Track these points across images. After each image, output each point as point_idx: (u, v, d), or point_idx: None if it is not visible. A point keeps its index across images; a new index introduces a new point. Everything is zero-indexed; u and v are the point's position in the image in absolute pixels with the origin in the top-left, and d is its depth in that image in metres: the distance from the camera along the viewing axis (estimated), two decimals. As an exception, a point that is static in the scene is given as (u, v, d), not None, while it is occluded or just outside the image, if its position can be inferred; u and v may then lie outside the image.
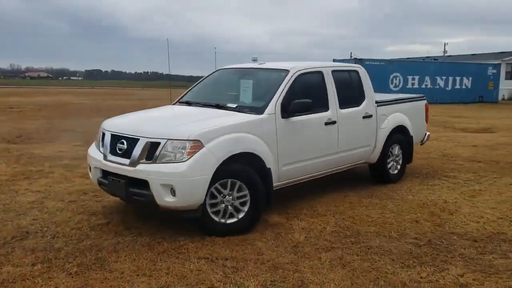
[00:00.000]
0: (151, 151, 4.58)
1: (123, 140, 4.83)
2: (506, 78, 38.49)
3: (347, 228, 5.02)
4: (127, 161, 4.68)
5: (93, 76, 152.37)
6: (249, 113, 5.23)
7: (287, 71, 5.75)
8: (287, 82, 5.57)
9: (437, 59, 42.62)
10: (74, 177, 7.22)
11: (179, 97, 6.50)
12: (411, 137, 7.44)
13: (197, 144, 4.52)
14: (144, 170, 4.54)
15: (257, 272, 3.86)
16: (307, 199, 6.06)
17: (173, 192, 4.43)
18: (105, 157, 4.95)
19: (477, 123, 16.94)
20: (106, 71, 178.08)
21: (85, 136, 11.89)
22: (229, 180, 4.73)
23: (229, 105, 5.57)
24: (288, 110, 5.34)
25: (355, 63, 27.97)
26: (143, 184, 4.54)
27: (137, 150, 4.64)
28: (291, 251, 4.34)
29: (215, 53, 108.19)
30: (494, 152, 10.15)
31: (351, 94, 6.45)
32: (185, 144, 4.50)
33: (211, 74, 6.80)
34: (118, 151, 4.84)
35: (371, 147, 6.74)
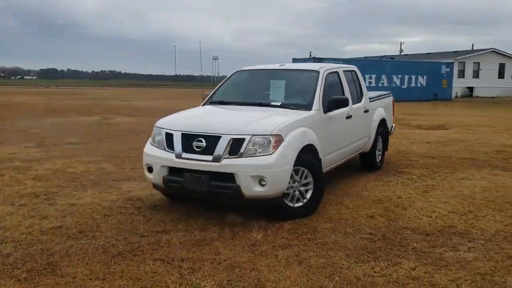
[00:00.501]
0: (235, 147, 4.95)
1: (200, 139, 5.11)
2: (459, 77, 39.95)
3: (304, 225, 5.07)
4: (209, 157, 5.00)
5: (49, 75, 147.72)
6: (299, 110, 5.81)
7: (317, 71, 6.44)
8: (321, 81, 6.25)
9: (393, 58, 43.75)
10: (26, 180, 6.97)
11: (208, 98, 6.82)
12: (387, 128, 8.53)
13: (279, 138, 5.03)
14: (230, 164, 4.91)
15: (214, 272, 3.84)
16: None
17: (262, 182, 4.86)
18: (178, 156, 5.15)
19: (431, 120, 17.48)
20: (62, 70, 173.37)
21: (38, 137, 11.53)
22: (301, 168, 5.29)
23: (273, 103, 6.11)
24: (328, 106, 6.06)
25: (314, 62, 28.42)
26: (228, 177, 4.91)
27: (220, 147, 4.97)
28: (249, 250, 4.34)
29: (175, 51, 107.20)
30: (447, 148, 10.50)
31: (355, 91, 7.27)
32: (270, 139, 5.00)
33: (232, 75, 7.17)
34: (196, 149, 5.10)
35: (368, 138, 7.65)
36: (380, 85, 30.53)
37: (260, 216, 5.31)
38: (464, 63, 41.28)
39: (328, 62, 27.85)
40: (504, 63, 43.36)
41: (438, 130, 14.55)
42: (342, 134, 6.58)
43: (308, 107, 5.87)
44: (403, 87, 31.95)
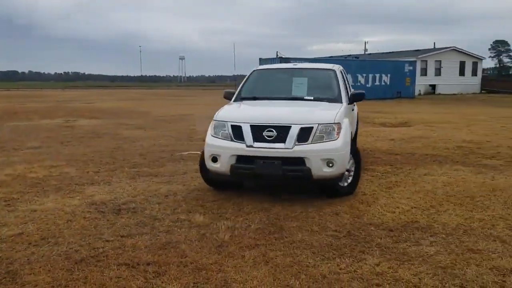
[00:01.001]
0: (303, 135, 5.67)
1: (271, 129, 5.73)
2: (422, 75, 40.97)
3: (271, 224, 5.09)
4: (281, 145, 5.67)
5: (9, 77, 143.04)
6: (332, 103, 6.64)
7: (333, 70, 7.47)
8: (340, 78, 7.26)
9: (358, 57, 44.45)
10: (-16, 186, 6.73)
11: (236, 95, 7.24)
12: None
13: (339, 126, 5.88)
14: (302, 150, 5.65)
15: (180, 275, 3.81)
16: (234, 197, 6.08)
17: (330, 164, 5.66)
18: (249, 145, 5.72)
19: (395, 118, 17.85)
20: (23, 72, 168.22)
21: (-2, 141, 11.16)
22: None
23: (306, 97, 6.89)
24: (351, 99, 7.02)
25: (280, 62, 28.59)
26: (299, 161, 5.64)
27: (291, 135, 5.66)
28: (215, 251, 4.32)
29: (140, 52, 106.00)
30: (410, 145, 10.75)
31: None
32: (334, 127, 5.81)
33: (251, 74, 7.70)
34: (267, 138, 5.73)
35: (354, 130, 8.20)
36: (345, 83, 30.88)
37: (228, 216, 5.31)
38: (426, 61, 42.35)
39: (294, 62, 28.17)
40: (464, 61, 44.74)
41: (401, 127, 14.87)
42: (352, 125, 7.35)
43: (338, 100, 6.78)
44: (367, 85, 32.48)
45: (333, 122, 5.83)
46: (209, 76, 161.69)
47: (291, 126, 5.70)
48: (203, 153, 6.29)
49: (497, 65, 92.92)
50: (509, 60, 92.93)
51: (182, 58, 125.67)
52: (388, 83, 33.67)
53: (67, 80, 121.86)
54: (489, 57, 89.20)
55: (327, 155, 5.66)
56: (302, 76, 7.54)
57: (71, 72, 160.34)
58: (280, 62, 28.73)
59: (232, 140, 5.86)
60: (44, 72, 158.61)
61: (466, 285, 3.63)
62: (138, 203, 5.89)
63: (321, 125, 5.76)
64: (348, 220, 5.23)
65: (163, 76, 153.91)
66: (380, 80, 33.40)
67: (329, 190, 6.16)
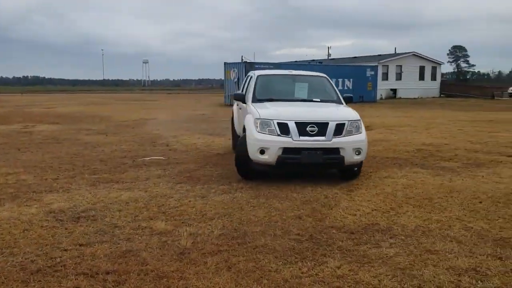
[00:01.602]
0: (338, 129, 7.04)
1: (313, 125, 7.00)
2: (383, 79, 41.93)
3: (234, 230, 5.07)
4: (322, 138, 6.98)
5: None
6: (336, 103, 8.33)
7: (325, 77, 9.25)
8: (332, 84, 9.01)
9: (321, 62, 45.09)
10: None
11: (252, 97, 8.27)
12: None
13: (361, 122, 7.44)
14: (338, 141, 7.02)
15: (140, 284, 3.74)
16: (197, 204, 6.03)
17: (357, 152, 7.13)
18: (296, 139, 6.92)
19: (358, 121, 18.11)
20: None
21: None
22: None
23: (314, 99, 8.40)
24: (345, 101, 8.46)
25: (245, 67, 28.65)
26: (335, 151, 7.00)
27: (330, 130, 6.99)
28: (177, 259, 4.26)
29: (102, 55, 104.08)
30: (371, 148, 10.92)
31: None
32: (359, 123, 7.35)
33: (258, 79, 8.79)
34: (310, 132, 6.97)
35: None
36: (309, 88, 31.24)
37: (190, 222, 5.26)
38: (387, 66, 43.39)
39: (259, 67, 28.36)
40: (424, 66, 46.11)
41: (363, 131, 15.11)
42: None
43: (339, 102, 8.41)
44: (331, 89, 32.88)
45: (358, 119, 7.40)
46: (173, 80, 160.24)
47: (328, 123, 7.05)
48: (242, 148, 7.33)
49: (455, 70, 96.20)
50: (466, 65, 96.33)
51: (145, 62, 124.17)
52: (350, 87, 34.24)
53: (26, 84, 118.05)
54: (447, 62, 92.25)
55: (356, 145, 7.14)
56: (303, 82, 9.02)
57: (31, 76, 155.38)
58: (245, 67, 28.81)
59: (278, 135, 6.98)
60: (2, 76, 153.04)
61: (424, 286, 3.72)
62: (98, 210, 5.76)
63: (351, 121, 7.23)
64: (310, 223, 5.27)
65: (126, 80, 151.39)
66: (343, 84, 33.93)
67: (348, 173, 7.51)
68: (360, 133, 7.29)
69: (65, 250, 4.47)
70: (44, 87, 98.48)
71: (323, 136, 6.98)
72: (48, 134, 13.97)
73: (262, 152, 6.97)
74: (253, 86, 8.58)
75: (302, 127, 6.97)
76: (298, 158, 6.95)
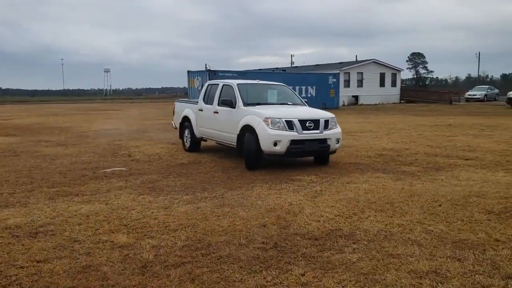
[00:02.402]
0: (325, 124, 9.27)
1: (311, 122, 9.13)
2: (345, 86, 42.65)
3: (198, 240, 5.00)
4: (317, 131, 9.13)
5: None
6: (304, 105, 10.56)
7: (286, 86, 11.73)
8: (291, 89, 11.66)
9: (285, 70, 45.50)
10: None
11: (243, 102, 9.88)
12: None
13: (335, 119, 9.67)
14: (327, 133, 9.22)
15: (101, 300, 3.62)
16: (160, 215, 5.93)
17: (337, 141, 9.47)
18: (300, 133, 8.97)
19: (321, 128, 18.35)
20: None
21: None
22: None
23: (289, 102, 10.55)
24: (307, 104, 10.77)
25: (209, 75, 28.57)
26: (325, 141, 9.19)
27: (321, 125, 9.19)
28: (139, 272, 4.16)
29: (62, 65, 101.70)
30: (334, 154, 11.07)
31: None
32: (335, 120, 9.61)
33: (239, 87, 10.36)
34: (309, 127, 9.07)
35: None
36: (273, 95, 31.45)
37: (152, 235, 5.17)
38: (349, 73, 44.20)
39: (222, 75, 28.34)
40: (384, 73, 47.21)
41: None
42: None
43: (303, 104, 10.67)
44: (294, 97, 33.22)
45: (334, 116, 9.60)
46: (136, 88, 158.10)
47: (320, 120, 9.22)
48: (252, 144, 9.08)
49: (415, 76, 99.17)
50: (425, 71, 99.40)
51: (107, 71, 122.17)
52: (314, 95, 34.65)
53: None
54: (407, 68, 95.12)
55: (337, 136, 9.45)
56: (273, 89, 11.16)
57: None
58: (209, 75, 28.73)
59: (285, 130, 8.88)
60: None
61: (386, 290, 3.76)
62: (57, 225, 5.57)
63: (331, 118, 9.45)
64: (275, 231, 5.27)
65: (87, 90, 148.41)
66: (307, 92, 34.31)
67: (325, 160, 9.75)
68: (338, 127, 9.60)
69: (22, 267, 4.30)
70: (1, 97, 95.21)
71: (317, 130, 9.12)
72: (4, 146, 13.47)
73: (275, 144, 8.84)
74: (237, 93, 10.09)
75: (303, 123, 9.02)
76: (301, 148, 9.02)
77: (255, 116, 9.19)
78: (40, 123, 23.07)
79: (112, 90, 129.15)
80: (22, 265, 4.35)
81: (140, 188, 7.56)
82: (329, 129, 9.24)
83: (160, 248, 4.77)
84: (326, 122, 9.28)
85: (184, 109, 12.31)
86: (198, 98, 12.12)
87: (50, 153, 11.81)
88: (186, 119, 12.01)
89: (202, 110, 11.39)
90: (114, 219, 5.80)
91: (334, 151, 9.60)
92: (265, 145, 8.89)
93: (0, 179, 8.37)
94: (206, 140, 11.83)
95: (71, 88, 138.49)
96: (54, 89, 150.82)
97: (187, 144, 12.06)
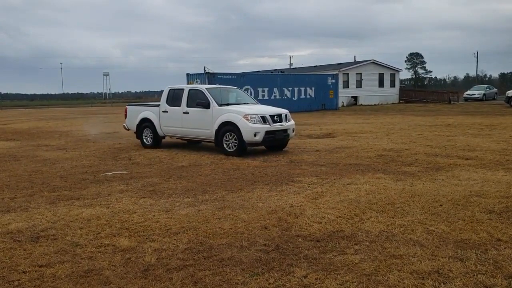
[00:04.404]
0: (286, 118, 12.00)
1: (277, 116, 11.69)
2: (344, 87, 42.68)
3: (200, 243, 5.00)
4: (282, 123, 11.75)
5: None
6: (259, 104, 13.13)
7: (238, 88, 14.38)
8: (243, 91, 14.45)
9: (283, 72, 45.52)
10: None
11: (216, 102, 11.96)
12: None
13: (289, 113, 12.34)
14: (287, 125, 11.94)
15: (103, 304, 3.62)
16: (161, 218, 5.93)
17: (293, 131, 12.31)
18: (271, 125, 11.39)
19: (320, 129, 18.41)
20: None
21: None
22: None
23: (248, 102, 12.91)
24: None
25: (208, 77, 28.58)
26: (287, 131, 11.87)
27: (284, 118, 11.88)
28: (142, 276, 4.17)
29: (61, 69, 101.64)
30: (334, 155, 11.10)
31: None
32: (288, 114, 12.22)
33: (210, 90, 12.44)
34: (276, 120, 11.61)
35: None
36: (272, 98, 31.54)
37: (154, 238, 5.17)
38: (348, 74, 44.20)
39: (221, 77, 28.36)
40: (383, 73, 47.23)
41: (326, 138, 15.35)
42: None
43: (257, 103, 13.13)
44: (293, 99, 33.30)
45: (288, 112, 12.25)
46: (135, 92, 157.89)
47: (282, 114, 11.90)
48: (239, 133, 11.18)
49: (413, 76, 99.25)
50: (423, 71, 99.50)
51: (106, 74, 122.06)
52: (313, 96, 34.69)
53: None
54: (405, 68, 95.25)
55: (293, 127, 12.23)
56: (232, 92, 13.43)
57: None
58: (208, 77, 28.75)
59: (262, 123, 11.24)
60: None
61: (389, 291, 3.76)
62: (59, 229, 5.57)
63: (288, 113, 12.18)
64: (276, 233, 5.27)
65: (86, 93, 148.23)
66: (306, 93, 34.33)
67: (283, 146, 12.37)
68: (291, 120, 12.25)
69: (24, 272, 4.30)
70: (0, 102, 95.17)
71: (282, 122, 11.72)
72: (5, 151, 13.48)
73: (255, 135, 11.11)
74: (209, 96, 12.06)
75: (272, 118, 11.49)
76: (273, 137, 11.49)
77: (235, 114, 11.40)
78: (39, 128, 23.07)
79: (112, 93, 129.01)
80: (24, 270, 4.35)
81: (141, 191, 7.56)
82: (288, 121, 11.94)
83: (162, 251, 4.77)
84: (286, 115, 12.00)
85: (140, 111, 13.87)
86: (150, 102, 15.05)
87: (50, 157, 11.81)
88: (145, 120, 13.59)
89: (167, 112, 13.05)
90: (116, 222, 5.80)
91: (289, 139, 12.52)
92: (247, 136, 11.12)
93: (1, 184, 8.37)
94: (164, 138, 13.64)
95: (70, 92, 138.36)
96: (53, 93, 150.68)
97: (148, 142, 13.60)
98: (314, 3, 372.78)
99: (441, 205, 6.29)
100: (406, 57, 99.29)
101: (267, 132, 11.20)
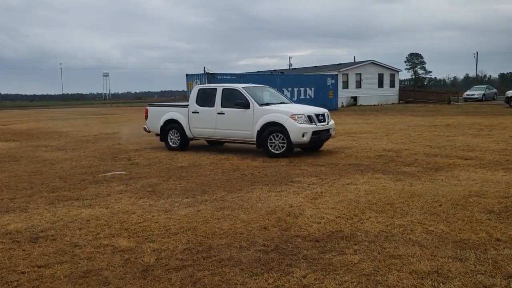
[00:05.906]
0: (328, 117, 11.76)
1: (321, 116, 11.43)
2: (344, 87, 42.67)
3: (199, 244, 5.00)
4: (325, 123, 11.47)
5: None
6: (294, 103, 13.25)
7: (269, 87, 13.92)
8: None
9: (283, 72, 45.53)
10: None
11: (257, 102, 11.50)
12: None
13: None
14: (329, 124, 11.69)
15: (102, 304, 3.62)
16: (160, 219, 5.92)
17: (333, 130, 12.05)
18: (317, 125, 11.11)
19: (320, 129, 18.36)
20: None
21: None
22: None
23: (285, 101, 12.66)
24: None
25: (207, 78, 28.58)
26: (329, 130, 11.70)
27: (327, 118, 11.66)
28: (140, 276, 4.16)
29: (61, 69, 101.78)
30: (334, 155, 11.10)
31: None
32: (328, 113, 11.92)
33: (246, 90, 11.83)
34: (321, 120, 11.37)
35: None
36: (272, 98, 31.48)
37: (153, 238, 5.16)
38: (347, 74, 44.20)
39: (221, 77, 28.36)
40: (383, 73, 47.23)
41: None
42: None
43: (292, 102, 13.70)
44: (293, 99, 33.18)
45: (328, 112, 12.07)
46: (135, 92, 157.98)
47: (325, 114, 11.66)
48: (286, 134, 10.80)
49: (413, 76, 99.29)
50: (423, 71, 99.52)
51: (106, 75, 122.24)
52: (312, 96, 34.67)
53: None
54: (405, 69, 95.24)
55: (334, 126, 12.05)
56: (266, 91, 12.91)
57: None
58: (208, 78, 28.76)
59: (309, 123, 10.92)
60: None
61: (388, 291, 3.76)
62: (58, 229, 5.57)
63: (328, 112, 11.93)
64: (276, 233, 5.26)
65: (86, 94, 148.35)
66: (305, 93, 34.33)
67: (319, 147, 12.04)
68: (331, 121, 11.98)
69: (23, 272, 4.29)
70: (0, 103, 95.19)
71: (325, 122, 11.47)
72: (4, 152, 13.47)
73: (303, 135, 10.76)
74: (247, 95, 11.52)
75: (317, 117, 11.22)
76: (318, 137, 11.17)
77: (281, 114, 10.99)
78: (39, 128, 23.07)
79: (111, 94, 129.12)
80: (23, 270, 4.35)
81: (140, 191, 7.56)
82: (329, 121, 11.68)
83: (161, 251, 4.77)
84: (328, 115, 11.75)
85: (164, 112, 13.12)
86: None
87: (49, 158, 11.81)
88: (171, 121, 12.86)
89: (197, 112, 12.32)
90: (115, 223, 5.80)
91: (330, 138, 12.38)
92: (295, 137, 10.74)
93: (0, 185, 8.37)
94: (192, 140, 13.01)
95: (70, 93, 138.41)
96: (53, 93, 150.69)
97: (175, 144, 12.87)
98: (314, 3, 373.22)
99: (440, 205, 6.29)
100: (406, 57, 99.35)
101: (314, 133, 10.86)
